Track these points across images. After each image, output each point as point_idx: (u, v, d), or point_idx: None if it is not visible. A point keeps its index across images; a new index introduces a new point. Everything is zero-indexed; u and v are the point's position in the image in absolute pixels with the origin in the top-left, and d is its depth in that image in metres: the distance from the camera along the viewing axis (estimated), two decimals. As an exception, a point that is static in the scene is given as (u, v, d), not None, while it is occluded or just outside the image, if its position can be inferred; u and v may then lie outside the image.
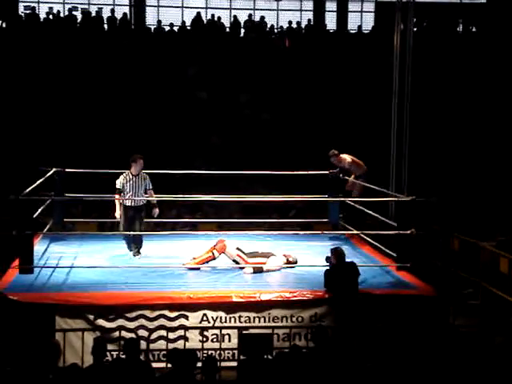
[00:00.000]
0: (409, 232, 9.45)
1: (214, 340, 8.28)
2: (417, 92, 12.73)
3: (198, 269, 9.65)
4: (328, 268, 8.77)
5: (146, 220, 10.50)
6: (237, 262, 9.70)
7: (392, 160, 12.01)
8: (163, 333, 8.13)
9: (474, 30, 21.77)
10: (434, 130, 17.27)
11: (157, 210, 10.35)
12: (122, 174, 10.26)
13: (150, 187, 10.30)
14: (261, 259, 9.75)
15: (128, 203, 10.15)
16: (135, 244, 10.28)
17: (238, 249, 9.78)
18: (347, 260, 8.88)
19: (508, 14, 20.18)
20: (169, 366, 6.80)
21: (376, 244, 10.64)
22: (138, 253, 10.25)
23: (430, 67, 18.27)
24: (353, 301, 8.34)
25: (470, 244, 11.05)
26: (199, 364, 6.48)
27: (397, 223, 9.76)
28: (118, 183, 10.18)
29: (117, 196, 10.15)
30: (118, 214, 10.19)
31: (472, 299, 10.61)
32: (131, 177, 10.18)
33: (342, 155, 12.14)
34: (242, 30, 21.04)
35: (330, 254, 8.89)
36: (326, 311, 8.52)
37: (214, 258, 9.75)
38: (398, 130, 11.99)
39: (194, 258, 9.81)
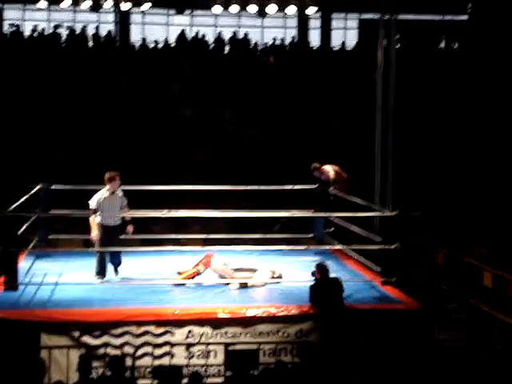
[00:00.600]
0: (393, 247, 9.50)
1: (200, 356, 8.26)
2: (400, 107, 12.84)
3: (184, 284, 9.64)
4: (313, 283, 8.79)
5: (130, 237, 10.43)
6: (223, 277, 9.70)
7: (376, 174, 12.08)
8: (149, 349, 8.11)
9: (456, 46, 21.99)
10: (418, 145, 17.39)
11: (131, 228, 9.99)
12: (96, 192, 9.89)
13: (125, 204, 10.03)
14: (246, 274, 9.77)
15: (107, 223, 9.83)
16: (115, 263, 9.98)
17: (224, 264, 9.78)
18: (332, 275, 8.91)
19: (490, 31, 20.42)
20: (154, 382, 6.78)
21: (361, 259, 10.67)
22: (117, 272, 10.02)
23: (413, 83, 18.43)
24: (338, 316, 8.36)
25: (454, 258, 11.11)
26: (185, 380, 6.48)
27: (381, 238, 9.81)
28: (95, 203, 9.80)
29: (93, 216, 9.78)
30: (95, 234, 9.84)
31: (457, 313, 10.66)
32: (108, 195, 9.86)
33: (324, 167, 12.11)
34: (227, 47, 21.14)
35: (315, 268, 8.93)
36: (312, 327, 8.52)
37: (200, 273, 9.75)
38: (382, 145, 12.07)
39: (180, 273, 9.81)
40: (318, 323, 8.45)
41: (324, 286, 8.64)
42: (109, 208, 9.84)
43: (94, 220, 9.80)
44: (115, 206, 9.89)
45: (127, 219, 9.99)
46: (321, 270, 8.79)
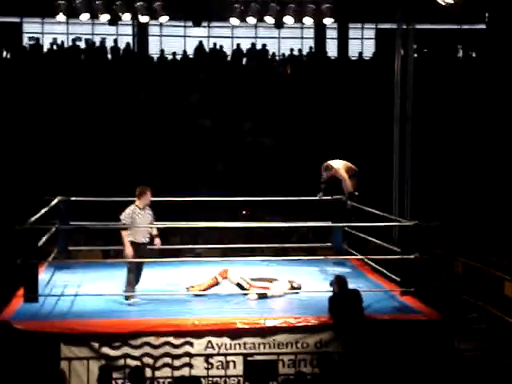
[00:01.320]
0: (412, 256, 9.46)
1: (219, 367, 8.25)
2: (418, 117, 12.81)
3: (202, 295, 9.65)
4: (331, 295, 8.76)
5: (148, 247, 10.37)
6: (241, 286, 9.68)
7: (394, 184, 12.04)
8: (168, 360, 8.11)
9: (473, 55, 21.93)
10: (436, 154, 17.34)
11: (159, 241, 9.68)
12: (127, 207, 9.44)
13: (153, 219, 9.72)
14: (265, 284, 9.77)
15: (139, 240, 9.42)
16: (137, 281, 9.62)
17: (240, 277, 9.77)
18: (351, 287, 8.89)
19: (507, 39, 20.35)
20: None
21: (380, 269, 10.64)
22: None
23: (431, 93, 18.39)
24: (358, 328, 8.32)
25: (474, 268, 11.05)
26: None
27: (400, 248, 9.77)
28: (127, 219, 9.32)
29: (125, 232, 9.31)
30: (131, 251, 9.33)
31: (477, 323, 10.59)
32: (139, 211, 9.45)
33: (333, 166, 11.44)
34: (244, 59, 21.23)
35: (333, 279, 8.91)
36: (331, 337, 8.50)
37: (218, 283, 9.75)
38: (400, 155, 12.04)
39: (192, 287, 9.75)
40: (338, 334, 8.42)
41: (343, 298, 8.61)
42: (140, 224, 9.44)
43: (127, 237, 9.34)
44: (146, 221, 9.54)
45: (154, 233, 9.72)
46: (339, 283, 8.76)
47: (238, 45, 21.44)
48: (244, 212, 14.97)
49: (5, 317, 8.55)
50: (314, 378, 7.34)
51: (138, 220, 9.44)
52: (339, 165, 11.59)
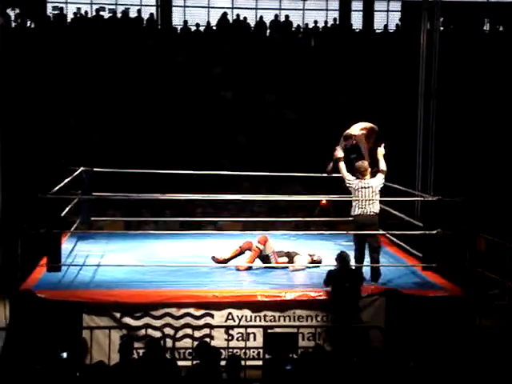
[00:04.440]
0: (435, 232, 9.40)
1: (240, 339, 8.31)
2: (443, 92, 12.65)
3: (251, 268, 9.62)
4: (332, 270, 8.67)
5: (169, 219, 10.31)
6: (268, 259, 9.69)
7: (418, 160, 11.94)
8: (189, 331, 8.17)
9: (501, 29, 21.58)
10: (461, 130, 17.15)
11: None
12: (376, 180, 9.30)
13: None
14: (286, 258, 9.79)
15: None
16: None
17: (273, 251, 9.78)
18: (354, 266, 8.82)
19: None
20: (194, 363, 6.85)
21: (402, 244, 10.59)
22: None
23: (457, 67, 18.15)
24: (350, 307, 8.25)
25: (497, 244, 10.96)
26: (223, 362, 6.52)
27: (423, 223, 9.71)
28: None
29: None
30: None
31: (499, 300, 10.53)
32: None
33: (354, 134, 10.62)
34: (268, 30, 21.06)
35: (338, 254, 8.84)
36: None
37: (261, 252, 9.71)
38: (424, 130, 11.92)
39: (215, 258, 9.79)
40: (330, 310, 8.38)
41: (342, 275, 8.49)
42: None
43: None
44: None
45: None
46: (340, 259, 8.64)
47: (261, 17, 21.26)
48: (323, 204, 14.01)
49: (28, 286, 8.64)
50: (333, 351, 7.34)
51: None
52: (360, 131, 10.90)
